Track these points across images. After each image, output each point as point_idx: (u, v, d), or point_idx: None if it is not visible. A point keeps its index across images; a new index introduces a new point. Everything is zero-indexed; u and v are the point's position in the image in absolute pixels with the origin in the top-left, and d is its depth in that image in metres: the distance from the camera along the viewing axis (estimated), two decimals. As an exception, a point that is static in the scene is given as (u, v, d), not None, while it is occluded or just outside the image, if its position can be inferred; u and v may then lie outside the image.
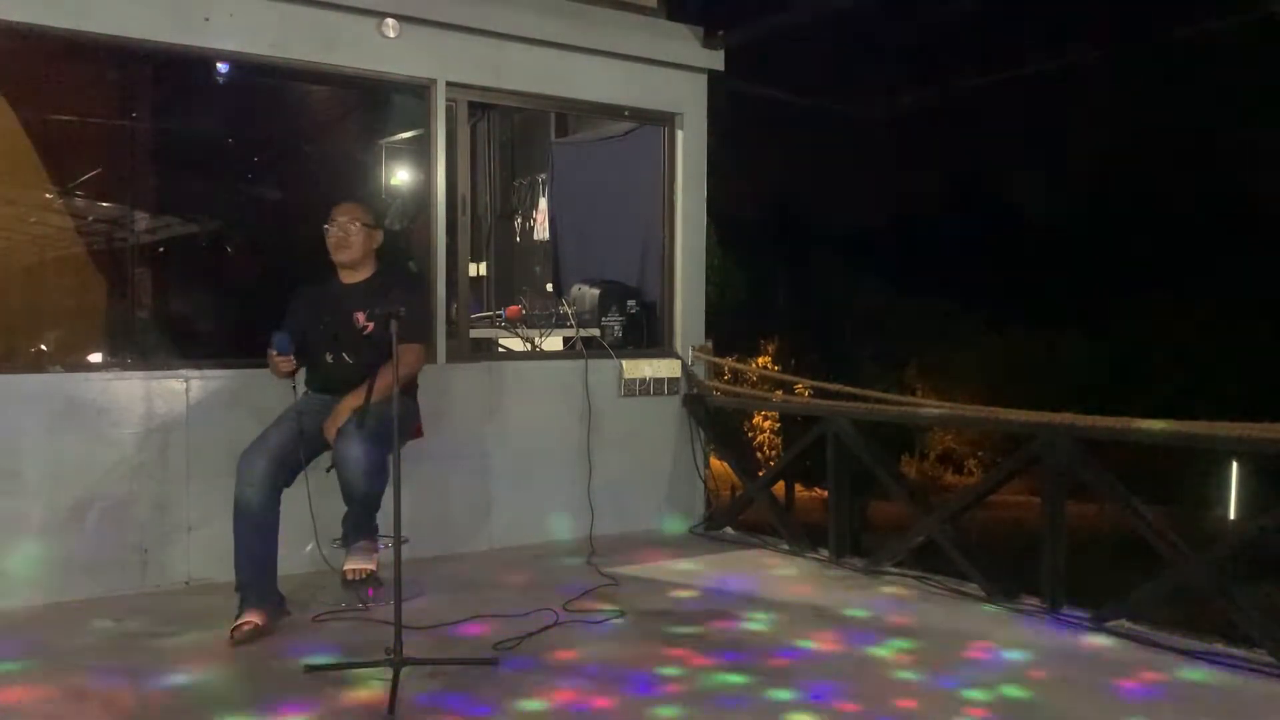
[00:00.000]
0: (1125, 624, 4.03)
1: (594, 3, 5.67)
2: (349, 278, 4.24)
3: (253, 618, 3.80)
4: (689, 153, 6.01)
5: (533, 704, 3.24)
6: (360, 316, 4.03)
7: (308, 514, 4.11)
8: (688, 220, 6.03)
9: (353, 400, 3.93)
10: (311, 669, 3.45)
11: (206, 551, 4.55)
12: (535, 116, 6.91)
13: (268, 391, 4.56)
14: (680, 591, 4.59)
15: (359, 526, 4.12)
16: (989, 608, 4.34)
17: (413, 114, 5.74)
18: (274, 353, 3.96)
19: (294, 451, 4.01)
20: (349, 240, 4.16)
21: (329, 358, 4.14)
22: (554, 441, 5.51)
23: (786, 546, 5.41)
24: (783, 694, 3.34)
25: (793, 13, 6.21)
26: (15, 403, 4.25)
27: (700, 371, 6.04)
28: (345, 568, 4.14)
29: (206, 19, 4.58)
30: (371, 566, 4.08)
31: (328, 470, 4.08)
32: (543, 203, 6.88)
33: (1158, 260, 18.74)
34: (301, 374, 4.19)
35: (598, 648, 3.78)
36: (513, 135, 7.19)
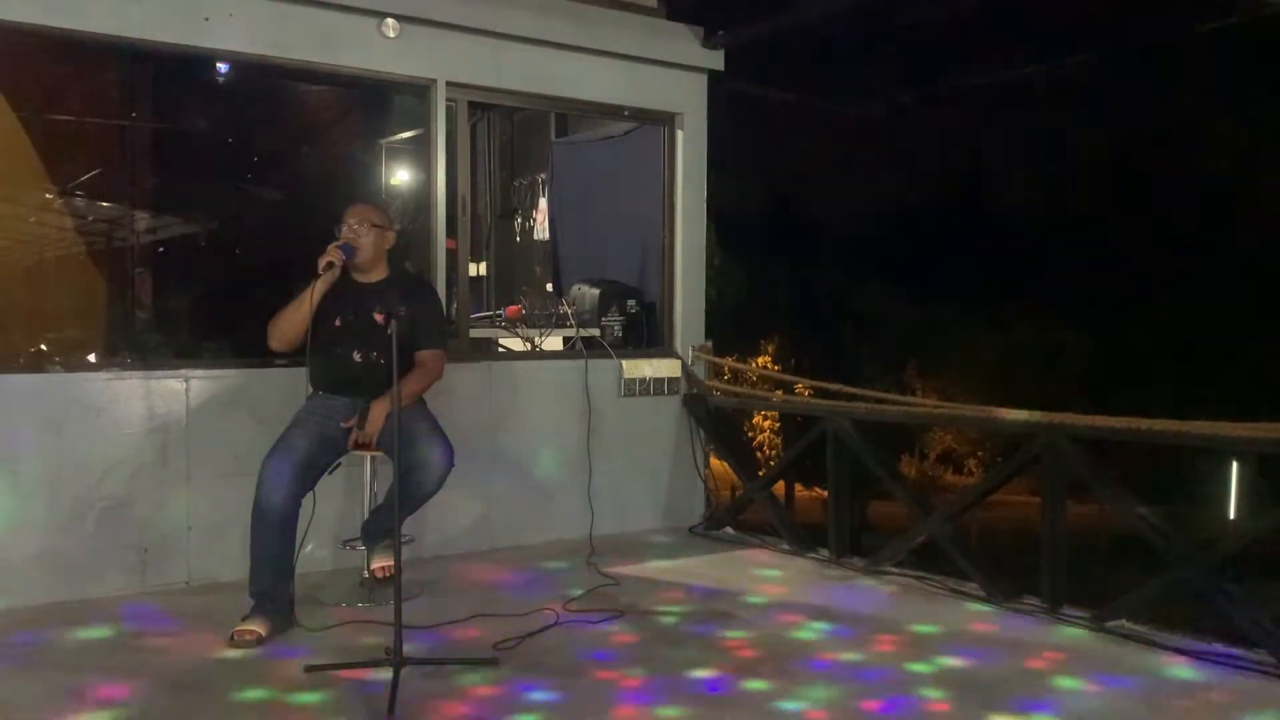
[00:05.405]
0: (1125, 624, 4.03)
1: (594, 2, 5.67)
2: (363, 278, 4.23)
3: (257, 627, 3.79)
4: (689, 152, 6.01)
5: (532, 704, 3.24)
6: (379, 317, 4.07)
7: (308, 514, 4.11)
8: (688, 220, 6.03)
9: (385, 406, 3.95)
10: (312, 669, 3.45)
11: (206, 551, 4.56)
12: (535, 116, 6.91)
13: (268, 391, 4.60)
14: (680, 591, 4.59)
15: (387, 527, 4.15)
16: (989, 607, 4.34)
17: (413, 114, 5.74)
18: (336, 248, 4.03)
19: (318, 457, 4.04)
20: (359, 242, 4.15)
21: (357, 356, 4.14)
22: (554, 441, 5.51)
23: (786, 546, 5.41)
24: (782, 694, 3.35)
25: (793, 12, 6.20)
26: (15, 403, 4.25)
27: (700, 371, 6.04)
28: (375, 566, 4.32)
29: (206, 19, 4.57)
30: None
31: (331, 472, 4.11)
32: (543, 203, 6.87)
33: (1158, 259, 18.74)
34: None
35: (597, 648, 3.78)
36: (513, 135, 7.19)
